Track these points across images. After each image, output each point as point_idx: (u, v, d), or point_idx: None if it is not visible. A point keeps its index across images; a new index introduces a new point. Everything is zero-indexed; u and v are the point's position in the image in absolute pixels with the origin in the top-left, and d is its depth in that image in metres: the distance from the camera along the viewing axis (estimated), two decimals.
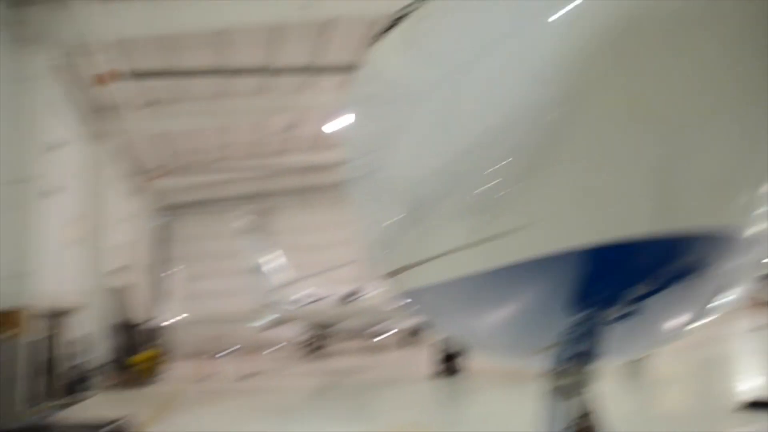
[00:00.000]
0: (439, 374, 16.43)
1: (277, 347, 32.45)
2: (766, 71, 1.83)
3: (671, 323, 2.54)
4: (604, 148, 1.92)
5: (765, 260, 2.58)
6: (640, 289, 2.16)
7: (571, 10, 1.82)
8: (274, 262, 32.39)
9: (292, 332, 30.01)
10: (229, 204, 35.57)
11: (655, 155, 1.90)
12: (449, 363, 16.46)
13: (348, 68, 17.19)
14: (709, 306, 2.51)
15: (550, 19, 1.86)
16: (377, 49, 3.33)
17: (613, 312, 2.21)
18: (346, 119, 3.68)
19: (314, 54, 21.28)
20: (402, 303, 3.66)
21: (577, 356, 2.32)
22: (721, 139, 1.91)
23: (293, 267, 32.39)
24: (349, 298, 28.56)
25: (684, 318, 2.53)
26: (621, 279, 2.16)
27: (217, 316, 30.79)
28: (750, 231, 2.21)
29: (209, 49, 20.08)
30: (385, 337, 28.67)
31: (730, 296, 2.56)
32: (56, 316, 15.99)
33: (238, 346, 31.92)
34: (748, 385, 10.67)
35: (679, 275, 2.16)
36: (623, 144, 1.90)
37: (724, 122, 1.89)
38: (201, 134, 27.66)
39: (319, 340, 29.69)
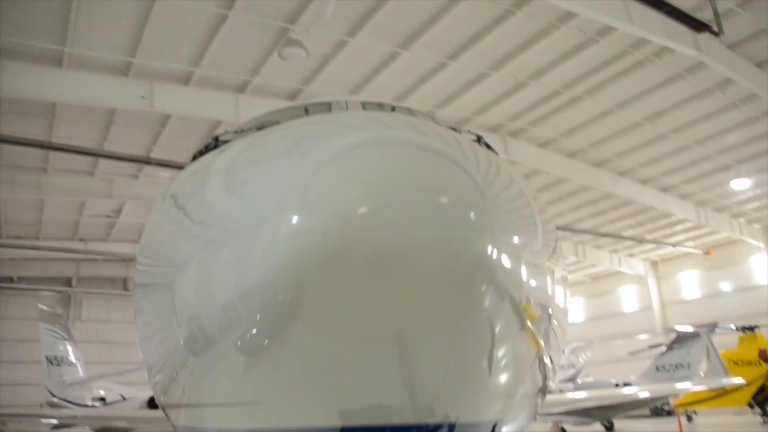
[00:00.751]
0: None
1: None
2: (457, 304, 2.14)
3: None
4: (324, 347, 2.15)
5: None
6: None
7: (299, 224, 2.03)
8: (74, 354, 29.66)
9: None
10: (33, 284, 32.59)
11: (382, 361, 2.15)
12: None
13: (179, 167, 17.15)
14: None
15: (284, 228, 2.05)
16: (193, 166, 3.36)
17: None
18: (152, 221, 3.56)
19: (150, 146, 21.02)
20: None
21: None
22: (437, 351, 2.21)
23: (96, 363, 29.84)
24: (154, 402, 26.56)
25: None
26: None
27: None
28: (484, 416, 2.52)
29: (38, 120, 19.14)
30: None
31: None
32: None
33: None
34: None
35: None
36: (341, 347, 2.14)
37: (435, 339, 2.19)
38: (9, 205, 25.65)
39: None
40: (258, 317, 2.16)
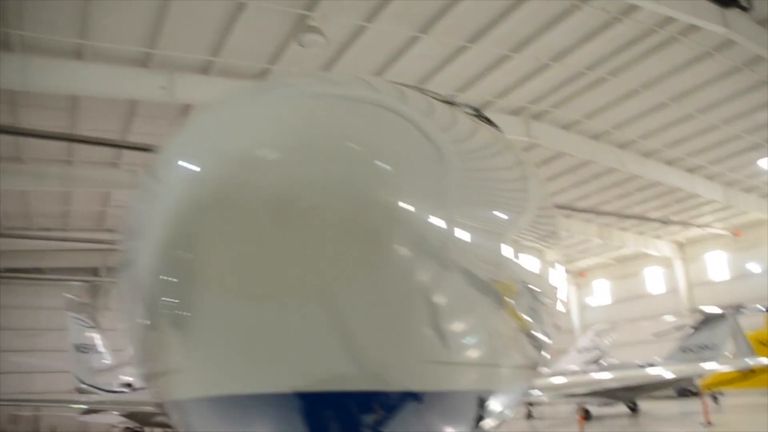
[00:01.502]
0: None
1: None
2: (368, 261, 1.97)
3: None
4: (222, 304, 2.03)
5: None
6: (372, 421, 2.19)
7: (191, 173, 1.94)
8: (101, 342, 30.21)
9: (114, 419, 27.70)
10: (61, 275, 33.13)
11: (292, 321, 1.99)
12: None
13: None
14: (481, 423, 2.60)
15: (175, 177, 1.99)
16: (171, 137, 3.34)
17: None
18: (133, 197, 3.49)
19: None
20: (166, 412, 3.56)
21: None
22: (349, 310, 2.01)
23: (124, 350, 30.35)
24: None
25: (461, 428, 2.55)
26: (340, 422, 2.19)
27: (30, 396, 27.91)
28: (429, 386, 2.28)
29: (61, 113, 19.32)
30: None
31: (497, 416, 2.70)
32: None
33: None
34: None
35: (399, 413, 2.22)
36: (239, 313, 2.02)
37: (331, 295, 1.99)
38: (37, 198, 26.02)
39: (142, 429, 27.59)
40: (161, 276, 2.08)
